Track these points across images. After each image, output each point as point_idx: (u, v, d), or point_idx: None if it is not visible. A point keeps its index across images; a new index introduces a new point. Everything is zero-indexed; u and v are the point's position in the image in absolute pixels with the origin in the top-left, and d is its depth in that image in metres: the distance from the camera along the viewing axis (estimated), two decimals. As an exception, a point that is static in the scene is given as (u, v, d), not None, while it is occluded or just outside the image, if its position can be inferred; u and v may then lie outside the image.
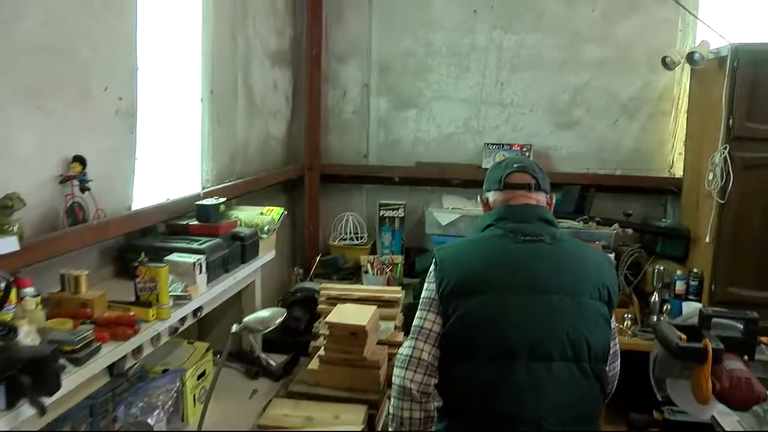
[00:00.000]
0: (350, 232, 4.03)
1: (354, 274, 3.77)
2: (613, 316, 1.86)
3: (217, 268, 2.36)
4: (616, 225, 3.51)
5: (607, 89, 3.97)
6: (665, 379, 1.78)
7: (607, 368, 1.82)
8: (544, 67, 4.00)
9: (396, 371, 1.78)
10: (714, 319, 1.70)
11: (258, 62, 3.54)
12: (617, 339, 1.91)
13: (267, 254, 2.83)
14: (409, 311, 3.12)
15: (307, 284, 3.25)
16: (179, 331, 2.14)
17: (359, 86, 4.19)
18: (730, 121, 3.08)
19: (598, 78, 3.96)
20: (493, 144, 4.03)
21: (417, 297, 3.25)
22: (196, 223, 2.49)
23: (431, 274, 1.84)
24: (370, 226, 4.14)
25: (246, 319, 1.87)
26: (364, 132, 4.23)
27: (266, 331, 1.85)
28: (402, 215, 4.03)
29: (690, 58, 3.30)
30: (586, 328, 1.73)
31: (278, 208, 2.94)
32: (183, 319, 2.13)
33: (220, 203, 2.56)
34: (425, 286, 1.85)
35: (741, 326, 1.68)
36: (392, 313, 2.68)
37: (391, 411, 1.80)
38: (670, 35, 3.86)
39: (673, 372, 1.69)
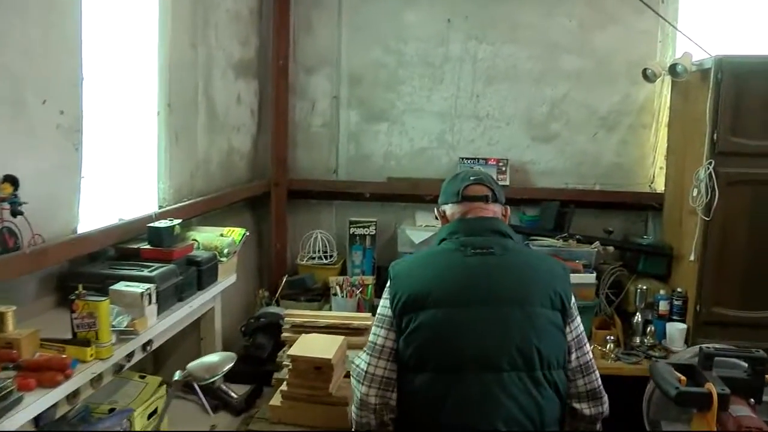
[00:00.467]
0: (319, 251, 3.84)
1: (323, 295, 3.58)
2: (580, 325, 1.89)
3: (169, 297, 2.16)
4: (597, 243, 3.36)
5: (585, 102, 3.84)
6: (661, 420, 1.60)
7: (580, 381, 1.85)
8: (520, 78, 3.86)
9: (353, 382, 1.87)
10: (717, 358, 1.53)
11: (220, 73, 3.34)
12: (587, 349, 1.90)
13: (227, 279, 2.63)
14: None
15: (272, 309, 3.05)
16: (125, 369, 1.94)
17: (328, 98, 4.01)
18: (715, 135, 2.95)
19: (577, 90, 3.84)
20: (468, 158, 3.87)
21: None
22: (148, 247, 2.28)
23: (386, 290, 1.89)
24: (340, 245, 3.94)
25: (190, 366, 1.67)
26: (334, 146, 4.05)
27: (213, 380, 1.63)
28: (373, 233, 3.84)
29: (672, 70, 3.18)
30: (536, 337, 1.76)
31: (240, 229, 2.75)
32: (130, 355, 1.93)
33: (175, 225, 2.35)
34: (381, 302, 1.90)
35: (746, 365, 1.51)
36: (361, 342, 2.45)
37: (351, 415, 1.89)
38: (650, 47, 3.75)
39: (670, 415, 1.52)
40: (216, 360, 1.66)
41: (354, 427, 1.87)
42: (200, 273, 2.38)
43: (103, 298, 1.72)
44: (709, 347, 1.54)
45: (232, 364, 1.68)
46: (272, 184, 3.92)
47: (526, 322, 1.76)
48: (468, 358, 1.73)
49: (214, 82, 3.28)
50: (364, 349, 1.89)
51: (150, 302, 1.99)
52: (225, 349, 3.00)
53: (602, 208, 3.83)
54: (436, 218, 2.09)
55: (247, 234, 2.76)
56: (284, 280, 3.62)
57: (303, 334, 2.33)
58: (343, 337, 2.31)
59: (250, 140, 3.85)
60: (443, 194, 2.05)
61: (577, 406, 1.87)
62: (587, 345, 1.91)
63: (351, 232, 3.84)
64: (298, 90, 4.00)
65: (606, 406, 1.89)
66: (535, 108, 3.88)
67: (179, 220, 2.41)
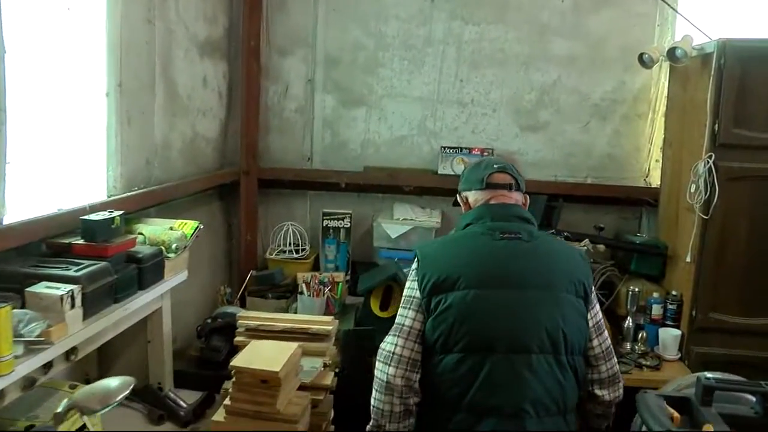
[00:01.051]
0: (290, 244, 3.59)
1: (292, 291, 3.32)
2: (599, 312, 1.98)
3: (100, 299, 1.91)
4: (586, 240, 3.13)
5: (577, 88, 3.59)
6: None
7: (603, 367, 1.93)
8: (508, 62, 3.61)
9: (378, 365, 1.85)
10: (718, 392, 1.28)
11: (182, 52, 3.07)
12: (606, 335, 1.97)
13: (176, 276, 2.38)
14: (350, 339, 2.73)
15: (231, 308, 2.80)
16: (38, 383, 1.69)
17: (303, 81, 3.75)
18: (716, 126, 2.71)
19: (568, 76, 3.59)
20: (450, 147, 3.63)
21: (359, 321, 2.88)
22: (81, 242, 2.03)
23: (413, 272, 1.92)
24: (313, 237, 3.71)
25: (77, 394, 1.42)
26: (308, 132, 3.79)
27: (107, 410, 1.38)
28: (348, 225, 3.61)
29: (671, 54, 2.93)
30: (563, 321, 1.80)
31: (192, 222, 2.50)
32: (48, 365, 1.69)
33: (115, 217, 2.10)
34: (407, 284, 1.93)
35: (753, 400, 1.27)
36: (321, 348, 2.25)
37: (372, 403, 1.87)
38: (647, 31, 3.50)
39: (662, 455, 1.27)
40: (112, 386, 1.40)
41: (375, 415, 1.87)
42: (141, 271, 2.12)
43: (3, 305, 1.46)
44: (709, 378, 1.28)
45: (130, 388, 1.41)
46: (242, 172, 3.67)
47: (554, 307, 1.81)
48: (498, 340, 1.76)
49: (175, 62, 3.02)
50: (391, 331, 1.88)
51: (73, 306, 1.75)
52: (179, 351, 2.78)
53: (593, 202, 3.60)
54: (455, 204, 2.15)
55: (201, 227, 2.50)
56: (250, 275, 3.36)
57: (253, 341, 2.08)
58: (297, 344, 2.06)
59: (218, 125, 3.59)
60: (466, 181, 2.09)
61: (598, 392, 1.94)
62: (606, 331, 1.98)
63: (324, 225, 3.61)
64: (270, 72, 3.74)
65: (622, 390, 1.98)
66: (523, 95, 3.63)
67: (119, 212, 2.15)
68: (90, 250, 2.00)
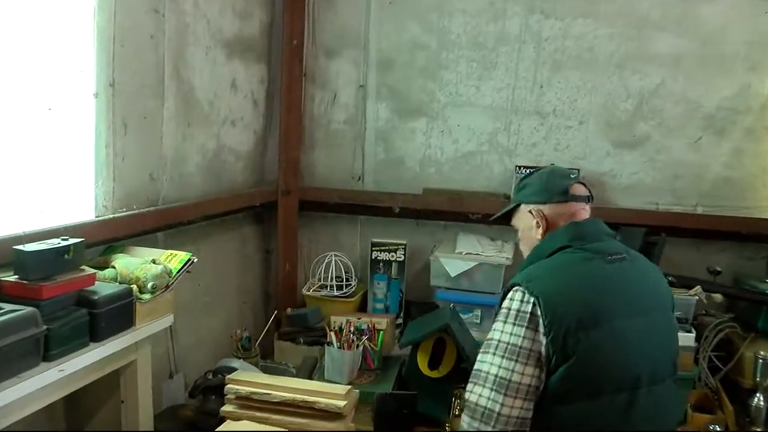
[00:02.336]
0: (331, 279, 3.05)
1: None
2: None
3: (19, 357, 1.41)
4: (698, 288, 2.45)
5: (685, 95, 2.90)
6: None
7: None
8: (598, 64, 2.97)
9: (471, 424, 1.58)
10: None
11: (201, 50, 2.60)
12: None
13: (155, 322, 1.87)
14: (386, 405, 2.15)
15: (236, 361, 2.26)
16: None
17: (353, 88, 3.23)
18: None
19: (674, 80, 2.91)
20: (527, 167, 3.01)
21: (402, 381, 2.33)
22: (13, 279, 1.55)
23: (521, 316, 1.58)
24: (364, 271, 3.16)
25: None
26: (359, 147, 3.26)
27: None
28: (401, 258, 3.04)
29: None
30: (676, 341, 1.76)
31: (183, 254, 1.99)
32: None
33: (69, 246, 1.62)
34: (507, 329, 1.59)
35: None
36: (331, 430, 1.67)
37: None
38: (778, 21, 2.78)
39: None
40: None
41: None
42: (94, 317, 1.63)
43: None
44: None
45: None
46: (280, 192, 3.17)
47: (671, 327, 1.75)
48: (642, 373, 1.60)
49: (192, 62, 2.55)
50: (487, 384, 1.57)
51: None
52: (173, 410, 2.28)
53: (706, 238, 2.90)
54: (536, 222, 1.82)
55: (194, 260, 1.99)
56: (274, 315, 2.84)
57: (229, 423, 1.54)
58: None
59: (252, 137, 3.10)
60: (542, 192, 1.83)
61: None
62: None
63: (373, 257, 3.05)
64: (315, 77, 3.25)
65: None
66: (617, 103, 2.98)
67: (77, 240, 1.67)
68: (20, 290, 1.52)
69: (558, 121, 3.04)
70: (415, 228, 3.23)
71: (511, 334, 1.57)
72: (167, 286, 1.88)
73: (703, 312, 2.58)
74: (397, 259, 3.04)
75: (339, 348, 2.37)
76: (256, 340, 2.58)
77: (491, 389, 1.56)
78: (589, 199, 1.83)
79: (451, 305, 2.49)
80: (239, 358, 2.48)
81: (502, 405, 1.54)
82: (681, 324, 2.38)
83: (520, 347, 1.56)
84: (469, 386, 1.61)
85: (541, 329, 1.54)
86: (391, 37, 3.16)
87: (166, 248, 2.13)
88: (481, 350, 1.63)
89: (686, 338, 2.26)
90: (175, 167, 2.50)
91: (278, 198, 3.17)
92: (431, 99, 3.16)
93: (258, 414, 1.76)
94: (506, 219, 1.96)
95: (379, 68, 3.20)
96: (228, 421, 1.60)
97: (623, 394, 1.57)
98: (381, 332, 2.53)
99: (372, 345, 2.50)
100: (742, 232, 2.82)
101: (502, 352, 1.57)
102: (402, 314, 3.05)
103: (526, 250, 1.86)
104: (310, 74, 3.23)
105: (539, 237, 1.80)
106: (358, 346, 2.41)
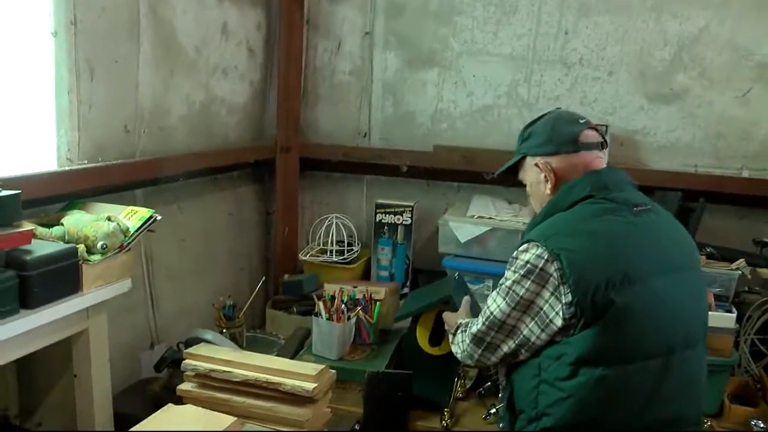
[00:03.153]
0: (332, 243, 2.80)
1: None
2: None
3: None
4: (741, 261, 2.18)
5: (732, 41, 2.55)
6: None
7: None
8: (631, 7, 2.63)
9: (463, 338, 1.66)
10: None
11: (186, -11, 2.35)
12: None
13: (107, 287, 1.64)
14: (377, 386, 1.91)
15: (208, 333, 2.02)
16: None
17: (359, 35, 2.95)
18: None
19: (720, 23, 2.55)
20: (547, 122, 2.70)
21: (398, 358, 2.11)
22: None
23: (532, 270, 1.47)
24: (370, 236, 2.92)
25: None
26: (365, 101, 3.00)
27: None
28: (408, 222, 2.79)
29: None
30: (705, 302, 1.66)
31: (145, 211, 1.75)
32: None
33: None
34: (515, 277, 1.49)
35: None
36: (295, 418, 1.43)
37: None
38: None
39: None
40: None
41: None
42: (26, 280, 1.40)
43: None
44: None
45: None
46: (278, 149, 2.91)
47: (702, 287, 1.64)
48: (677, 336, 1.51)
49: (173, 1, 2.30)
50: (496, 327, 1.55)
51: None
52: (142, 386, 2.07)
53: (751, 205, 2.56)
54: (544, 177, 1.66)
55: (157, 218, 1.76)
56: (260, 282, 2.59)
57: (169, 405, 1.32)
58: (240, 420, 1.25)
59: (248, 89, 2.85)
60: (549, 142, 1.66)
61: None
62: None
63: (378, 220, 2.80)
64: (318, 24, 2.98)
65: None
66: (652, 51, 2.64)
67: (12, 192, 1.45)
68: (-68, 251, 1.30)
69: (585, 71, 2.72)
70: (425, 189, 2.97)
71: (514, 281, 1.51)
72: (122, 246, 1.65)
73: (746, 289, 2.29)
74: (404, 222, 2.79)
75: (328, 320, 2.12)
76: (241, 309, 2.34)
77: (499, 332, 1.55)
78: (602, 145, 1.68)
79: (456, 274, 2.21)
80: (222, 328, 2.26)
81: (493, 338, 1.56)
82: (721, 303, 2.10)
83: (521, 297, 1.50)
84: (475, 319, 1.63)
85: (555, 288, 1.45)
86: (400, -23, 2.86)
87: (146, 207, 1.91)
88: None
89: (726, 319, 1.96)
90: (155, 119, 2.28)
91: (276, 155, 2.92)
92: (444, 47, 2.86)
93: (217, 395, 1.54)
94: (513, 173, 1.77)
95: (388, 13, 2.91)
96: (169, 405, 1.36)
97: (658, 360, 1.47)
98: (378, 303, 2.28)
99: (368, 317, 2.24)
100: (794, 199, 2.49)
101: (504, 294, 1.53)
102: (409, 283, 2.81)
103: (537, 207, 1.71)
104: (313, 20, 2.97)
105: (549, 193, 1.65)
106: (350, 318, 2.16)
